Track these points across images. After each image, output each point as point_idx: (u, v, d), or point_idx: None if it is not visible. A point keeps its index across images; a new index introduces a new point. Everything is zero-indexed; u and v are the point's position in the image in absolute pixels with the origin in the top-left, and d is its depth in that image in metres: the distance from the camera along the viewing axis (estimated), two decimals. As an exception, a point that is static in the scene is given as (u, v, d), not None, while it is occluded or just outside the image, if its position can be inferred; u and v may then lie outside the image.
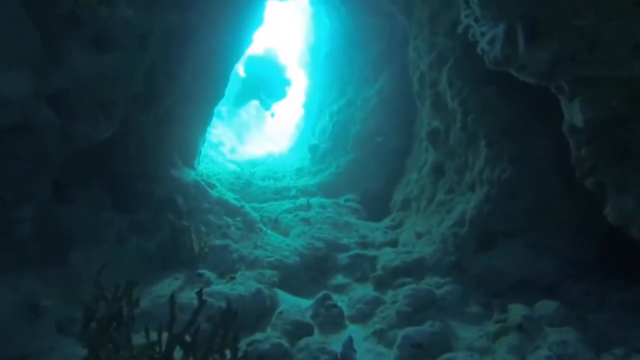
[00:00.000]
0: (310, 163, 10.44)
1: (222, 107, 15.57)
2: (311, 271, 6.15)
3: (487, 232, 5.15)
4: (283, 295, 5.32)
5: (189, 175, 6.04)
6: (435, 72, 6.65)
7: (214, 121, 14.67)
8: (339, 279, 6.00)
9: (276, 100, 13.45)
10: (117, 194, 4.82)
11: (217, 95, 7.18)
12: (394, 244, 6.71)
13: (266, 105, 13.59)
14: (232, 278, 5.09)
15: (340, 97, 10.70)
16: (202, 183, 6.21)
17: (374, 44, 9.70)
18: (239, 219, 6.36)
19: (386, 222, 7.56)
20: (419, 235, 6.38)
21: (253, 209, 7.35)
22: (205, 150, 12.10)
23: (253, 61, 12.78)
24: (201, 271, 5.11)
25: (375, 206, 8.40)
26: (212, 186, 6.57)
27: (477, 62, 5.63)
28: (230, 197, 6.67)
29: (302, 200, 8.08)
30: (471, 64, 5.72)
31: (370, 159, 9.12)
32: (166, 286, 4.64)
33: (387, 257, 5.98)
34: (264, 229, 6.51)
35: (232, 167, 11.86)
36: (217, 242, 5.67)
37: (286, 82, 13.01)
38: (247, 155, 13.86)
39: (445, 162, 6.45)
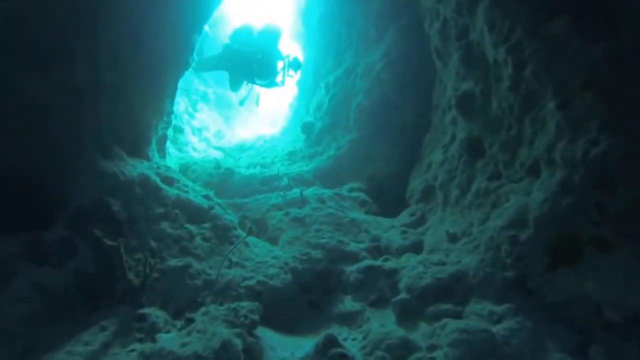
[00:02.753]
0: (304, 145, 8.69)
1: (209, 89, 13.70)
2: (309, 292, 4.50)
3: (566, 237, 3.45)
4: (268, 337, 3.69)
5: (134, 169, 4.33)
6: (465, 16, 4.90)
7: (200, 105, 12.90)
8: (347, 303, 4.35)
9: (269, 85, 11.11)
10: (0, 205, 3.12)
11: (175, 62, 5.43)
12: (417, 248, 5.03)
13: (260, 83, 11.19)
14: (189, 321, 3.43)
15: (337, 66, 8.93)
16: (154, 178, 4.49)
17: (375, -2, 7.90)
18: (207, 225, 4.65)
19: (404, 217, 5.86)
20: (452, 238, 4.71)
21: (232, 208, 5.67)
22: (185, 137, 10.37)
23: (244, 30, 10.52)
24: (144, 311, 3.44)
25: (388, 197, 6.70)
26: (171, 181, 4.86)
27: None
28: (196, 194, 4.96)
29: (294, 192, 6.37)
30: (526, -8, 3.98)
31: (378, 137, 7.35)
32: (81, 346, 2.98)
33: (412, 272, 4.30)
34: (244, 235, 4.81)
35: (215, 154, 10.14)
36: (173, 262, 3.99)
37: (295, 65, 10.56)
38: (235, 139, 12.13)
39: (484, 136, 4.73)
